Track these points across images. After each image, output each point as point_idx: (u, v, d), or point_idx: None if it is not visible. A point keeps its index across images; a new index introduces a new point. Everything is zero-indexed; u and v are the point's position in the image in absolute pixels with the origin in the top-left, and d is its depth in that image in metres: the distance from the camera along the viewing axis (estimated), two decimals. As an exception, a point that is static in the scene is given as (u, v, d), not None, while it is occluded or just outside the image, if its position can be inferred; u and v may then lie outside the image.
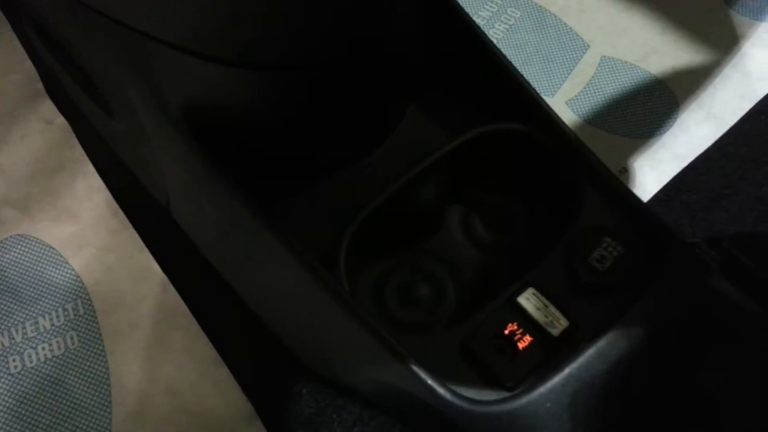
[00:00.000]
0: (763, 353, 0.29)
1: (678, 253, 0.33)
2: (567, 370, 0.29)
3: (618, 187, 0.36)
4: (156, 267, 0.47)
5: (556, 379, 0.28)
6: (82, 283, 0.47)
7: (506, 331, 0.33)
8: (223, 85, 0.35)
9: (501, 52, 0.41)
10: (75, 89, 0.51)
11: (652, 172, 0.52)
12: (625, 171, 0.52)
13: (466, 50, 0.42)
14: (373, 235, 0.39)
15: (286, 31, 0.30)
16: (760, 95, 0.56)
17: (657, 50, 0.61)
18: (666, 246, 0.33)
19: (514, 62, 0.41)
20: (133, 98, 0.40)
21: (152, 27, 0.33)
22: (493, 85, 0.41)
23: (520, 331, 0.33)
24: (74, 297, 0.47)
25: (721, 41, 0.61)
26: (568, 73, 0.60)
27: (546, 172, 0.39)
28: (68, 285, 0.47)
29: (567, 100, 0.58)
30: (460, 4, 0.43)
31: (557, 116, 0.39)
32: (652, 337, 0.29)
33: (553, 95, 0.59)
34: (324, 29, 0.32)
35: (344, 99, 0.37)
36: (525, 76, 0.40)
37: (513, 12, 0.64)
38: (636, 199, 0.35)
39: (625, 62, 0.60)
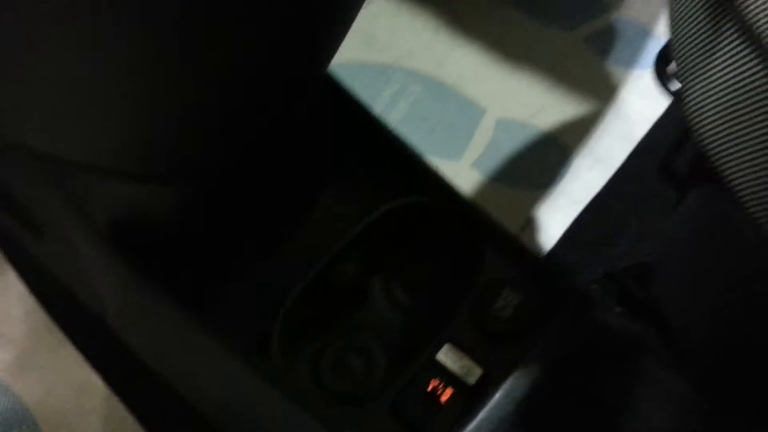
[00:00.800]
0: (640, 365, 0.34)
1: (567, 294, 0.37)
2: (480, 415, 0.32)
3: (513, 242, 0.40)
4: (98, 381, 0.49)
5: (471, 425, 0.32)
6: (26, 407, 0.48)
7: (429, 388, 0.36)
8: (137, 198, 0.38)
9: (401, 133, 0.46)
10: (1, 215, 0.53)
11: (553, 219, 0.57)
12: (530, 221, 0.57)
13: (369, 135, 0.47)
14: (304, 315, 0.42)
15: (183, 144, 0.34)
16: (639, 136, 0.63)
17: (545, 107, 0.67)
18: (557, 289, 0.37)
19: (420, 133, 0.46)
20: (59, 219, 0.43)
21: (63, 150, 0.36)
22: (398, 162, 0.45)
23: (441, 385, 0.36)
24: (19, 423, 0.47)
25: (601, 91, 0.68)
26: (471, 138, 0.65)
27: (448, 236, 0.43)
28: (12, 411, 0.48)
29: (472, 163, 0.63)
30: (358, 91, 0.48)
31: (455, 185, 0.43)
32: (551, 372, 0.33)
33: (459, 159, 0.64)
34: (219, 138, 0.35)
35: (253, 197, 0.41)
36: (432, 144, 0.45)
37: (414, 88, 0.70)
38: (529, 252, 0.40)
39: (519, 121, 0.66)
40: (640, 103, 0.66)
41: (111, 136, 0.34)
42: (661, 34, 0.71)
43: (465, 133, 0.66)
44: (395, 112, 0.67)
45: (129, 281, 0.41)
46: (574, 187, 0.60)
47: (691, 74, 0.28)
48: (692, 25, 0.27)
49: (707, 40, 0.26)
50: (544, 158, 0.63)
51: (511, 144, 0.64)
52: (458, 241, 0.42)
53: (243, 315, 0.42)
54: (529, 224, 0.57)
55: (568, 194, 0.59)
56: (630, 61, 0.70)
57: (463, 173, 0.62)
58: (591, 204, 0.57)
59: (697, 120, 0.27)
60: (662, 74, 0.44)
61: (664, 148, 0.46)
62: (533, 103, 0.67)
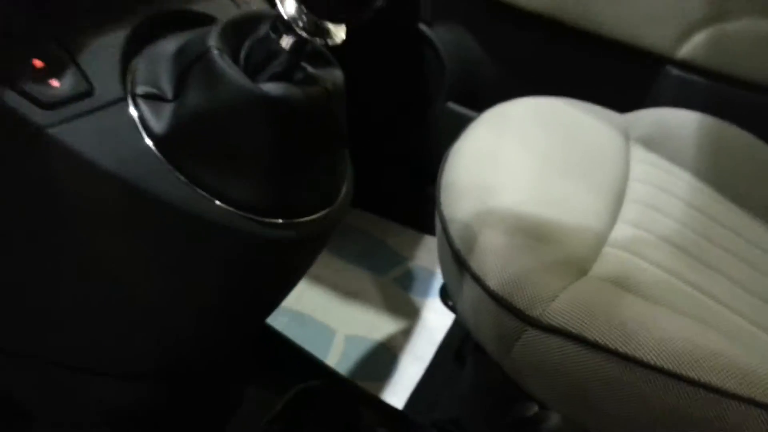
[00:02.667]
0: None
1: None
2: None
3: (385, 407, 0.66)
4: None
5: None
6: None
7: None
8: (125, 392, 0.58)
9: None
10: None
11: (394, 397, 0.84)
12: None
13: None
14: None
15: (162, 356, 0.55)
16: (440, 338, 0.94)
17: (377, 324, 0.97)
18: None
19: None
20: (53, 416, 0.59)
21: (72, 359, 0.54)
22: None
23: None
24: None
25: (410, 313, 1.01)
26: (328, 352, 0.92)
27: (336, 412, 0.67)
28: None
29: (334, 364, 0.89)
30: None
31: (337, 373, 0.69)
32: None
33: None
34: (191, 350, 0.58)
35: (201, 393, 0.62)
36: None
37: (281, 319, 0.96)
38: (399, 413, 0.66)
39: (360, 336, 0.94)
40: (437, 318, 0.99)
41: (114, 349, 0.53)
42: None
43: (323, 350, 0.92)
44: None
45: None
46: (404, 376, 0.88)
47: (455, 297, 0.59)
48: (450, 273, 0.59)
49: (458, 281, 0.58)
50: (380, 359, 0.91)
51: (357, 352, 0.92)
52: (340, 411, 0.67)
53: None
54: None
55: (400, 381, 0.88)
56: (425, 293, 1.05)
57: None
58: (417, 386, 0.85)
59: (465, 321, 0.58)
60: (445, 298, 0.76)
61: (457, 341, 0.77)
62: (369, 321, 0.97)
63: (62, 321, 0.45)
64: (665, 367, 0.48)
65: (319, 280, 1.00)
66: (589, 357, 0.50)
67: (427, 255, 1.09)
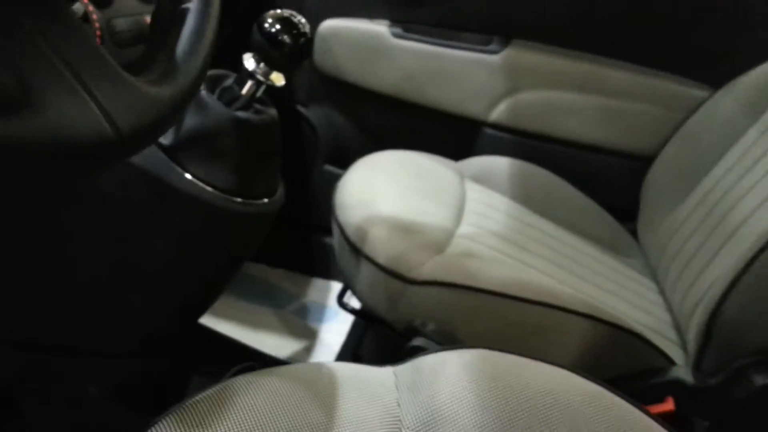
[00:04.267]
0: None
1: None
2: None
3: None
4: None
5: None
6: None
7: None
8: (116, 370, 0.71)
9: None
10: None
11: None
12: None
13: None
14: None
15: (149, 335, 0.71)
16: (335, 352, 1.14)
17: (281, 346, 1.14)
18: None
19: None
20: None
21: (65, 341, 0.68)
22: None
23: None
24: None
25: (316, 354, 1.19)
26: (243, 372, 1.08)
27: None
28: None
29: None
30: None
31: (272, 355, 0.86)
32: None
33: None
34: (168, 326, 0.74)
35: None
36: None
37: (198, 353, 1.10)
38: None
39: (272, 356, 1.11)
40: (333, 337, 1.19)
41: (104, 326, 0.68)
42: (331, 304, 1.28)
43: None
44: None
45: None
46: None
47: (353, 282, 0.81)
48: (349, 263, 0.82)
49: (355, 267, 0.80)
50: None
51: (269, 369, 1.08)
52: None
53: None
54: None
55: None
56: (320, 320, 1.24)
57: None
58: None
59: (362, 298, 0.80)
60: (342, 302, 0.96)
61: (352, 348, 0.98)
62: (275, 344, 1.14)
63: (73, 298, 0.61)
64: (503, 292, 0.73)
65: (229, 318, 1.16)
66: (453, 295, 0.74)
67: (318, 293, 1.29)
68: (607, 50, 1.08)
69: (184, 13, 0.42)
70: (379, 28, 1.14)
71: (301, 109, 1.24)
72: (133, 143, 0.33)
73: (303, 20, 0.60)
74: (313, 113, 1.25)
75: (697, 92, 1.03)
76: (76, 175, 0.40)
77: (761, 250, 0.68)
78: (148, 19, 0.53)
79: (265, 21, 0.59)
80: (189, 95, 0.39)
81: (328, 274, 1.33)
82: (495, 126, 1.15)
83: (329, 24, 1.15)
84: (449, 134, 1.19)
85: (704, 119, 0.98)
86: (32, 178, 0.31)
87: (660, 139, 1.06)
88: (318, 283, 1.31)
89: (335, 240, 0.87)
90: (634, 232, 1.07)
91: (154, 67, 0.38)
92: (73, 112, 0.29)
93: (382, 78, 1.16)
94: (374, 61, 1.15)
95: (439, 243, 0.82)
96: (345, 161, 1.20)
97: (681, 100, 1.04)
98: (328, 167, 1.27)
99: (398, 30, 1.14)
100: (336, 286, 1.31)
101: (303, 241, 1.33)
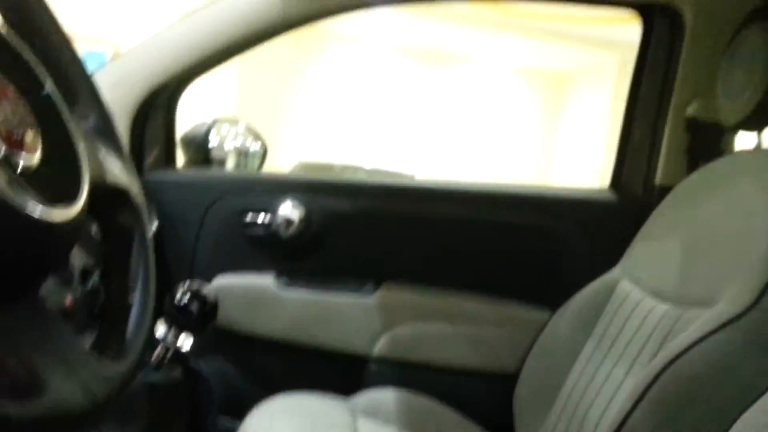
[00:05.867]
0: None
1: None
2: None
3: None
4: None
5: None
6: None
7: None
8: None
9: None
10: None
11: None
12: None
13: None
14: None
15: None
16: None
17: None
18: None
19: None
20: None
21: None
22: None
23: None
24: None
25: None
26: None
27: None
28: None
29: None
30: None
31: None
32: None
33: None
34: None
35: None
36: None
37: None
38: None
39: None
40: None
41: None
42: None
43: None
44: None
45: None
46: None
47: None
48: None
49: None
50: None
51: None
52: None
53: None
54: None
55: None
56: None
57: None
58: None
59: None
60: None
61: None
62: None
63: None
64: None
65: None
66: None
67: None
68: (464, 285, 1.28)
69: (129, 306, 0.52)
70: (267, 280, 1.27)
71: (192, 364, 1.29)
72: (105, 409, 0.40)
73: (211, 290, 0.72)
74: (205, 366, 1.30)
75: (540, 314, 1.24)
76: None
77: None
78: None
79: (176, 293, 0.70)
80: (139, 367, 0.48)
81: None
82: (379, 360, 1.27)
83: (220, 281, 1.27)
84: (339, 372, 1.28)
85: (550, 337, 1.16)
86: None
87: (520, 357, 1.22)
88: None
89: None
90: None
91: (112, 346, 0.47)
92: (66, 391, 0.37)
93: (272, 325, 1.27)
94: (264, 311, 1.26)
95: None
96: (239, 410, 1.24)
97: (529, 322, 1.24)
98: (222, 418, 1.29)
99: (284, 280, 1.28)
100: None
101: None
